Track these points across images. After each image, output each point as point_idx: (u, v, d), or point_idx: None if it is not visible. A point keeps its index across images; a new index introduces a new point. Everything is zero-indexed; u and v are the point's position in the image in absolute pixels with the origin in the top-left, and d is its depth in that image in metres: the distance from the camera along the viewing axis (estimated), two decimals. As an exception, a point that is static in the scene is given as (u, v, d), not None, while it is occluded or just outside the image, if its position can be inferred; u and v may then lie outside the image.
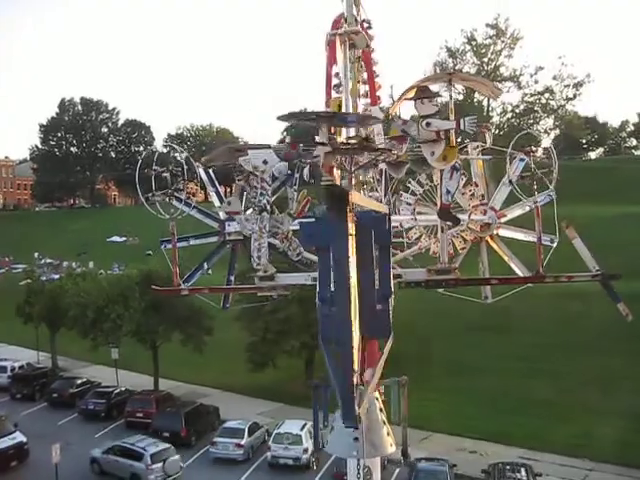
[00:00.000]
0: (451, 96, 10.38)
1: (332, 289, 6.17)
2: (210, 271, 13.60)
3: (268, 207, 10.41)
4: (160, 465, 36.58)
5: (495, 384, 44.94)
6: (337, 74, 15.30)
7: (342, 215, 3.47)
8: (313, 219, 7.05)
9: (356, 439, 8.38)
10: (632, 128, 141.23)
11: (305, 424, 39.49)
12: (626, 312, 10.10)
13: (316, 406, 9.78)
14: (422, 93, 10.03)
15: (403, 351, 49.19)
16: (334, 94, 14.28)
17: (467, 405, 43.44)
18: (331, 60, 15.30)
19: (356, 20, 12.48)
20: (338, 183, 8.93)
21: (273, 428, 40.58)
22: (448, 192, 9.95)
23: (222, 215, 13.42)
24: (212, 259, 13.61)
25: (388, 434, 8.99)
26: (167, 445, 38.34)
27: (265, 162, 9.96)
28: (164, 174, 12.65)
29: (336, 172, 10.25)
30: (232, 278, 14.08)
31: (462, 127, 9.62)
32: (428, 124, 9.66)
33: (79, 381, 52.76)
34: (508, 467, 33.80)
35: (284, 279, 11.45)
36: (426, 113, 9.79)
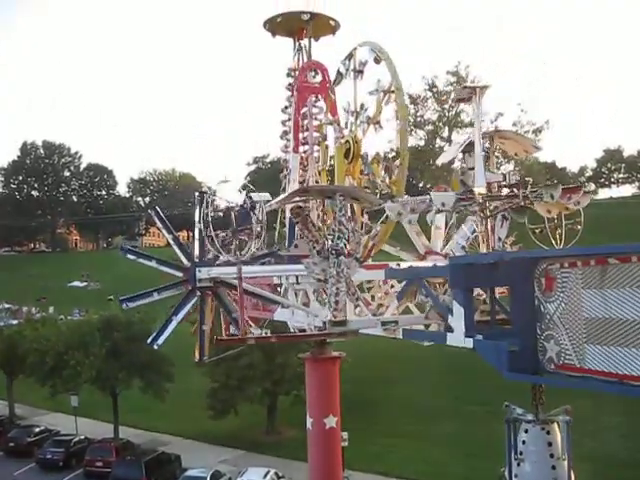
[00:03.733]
0: (493, 151, 11.45)
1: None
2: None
3: (345, 250, 10.42)
4: None
5: (458, 428, 44.77)
6: (303, 117, 15.52)
7: None
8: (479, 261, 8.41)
9: (553, 467, 9.13)
10: (590, 173, 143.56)
11: (268, 472, 38.92)
12: None
13: (510, 441, 9.67)
14: (469, 147, 11.17)
15: (368, 397, 49.12)
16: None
17: (431, 449, 43.12)
18: (299, 107, 15.46)
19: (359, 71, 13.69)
20: None
21: (236, 476, 39.93)
22: (500, 239, 11.02)
23: (185, 262, 12.93)
24: (181, 311, 12.92)
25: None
26: None
27: (443, 204, 10.48)
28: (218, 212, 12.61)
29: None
30: (205, 328, 13.30)
31: (507, 180, 10.60)
32: None
33: (37, 429, 51.53)
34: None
35: (355, 324, 11.34)
36: (472, 166, 10.98)
